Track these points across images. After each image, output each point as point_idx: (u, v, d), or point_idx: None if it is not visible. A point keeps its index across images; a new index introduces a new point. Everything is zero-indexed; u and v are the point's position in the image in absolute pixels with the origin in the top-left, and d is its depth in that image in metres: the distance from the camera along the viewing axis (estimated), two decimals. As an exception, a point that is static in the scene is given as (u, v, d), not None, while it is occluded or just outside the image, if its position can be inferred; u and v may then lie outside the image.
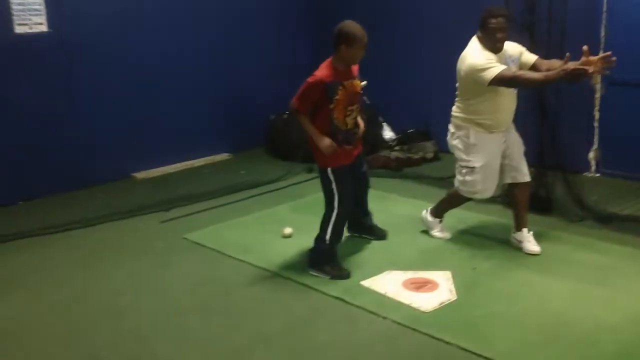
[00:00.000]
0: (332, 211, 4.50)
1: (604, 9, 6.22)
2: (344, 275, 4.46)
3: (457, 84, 4.72)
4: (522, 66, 4.62)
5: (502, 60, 4.53)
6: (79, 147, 6.72)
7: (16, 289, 4.55)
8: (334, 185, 4.49)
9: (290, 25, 8.47)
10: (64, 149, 6.62)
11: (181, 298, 4.33)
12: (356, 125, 4.57)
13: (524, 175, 4.83)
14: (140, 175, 7.19)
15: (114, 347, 3.75)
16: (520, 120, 5.04)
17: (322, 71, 4.33)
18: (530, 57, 4.65)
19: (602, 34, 6.23)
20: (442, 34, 7.31)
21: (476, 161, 4.73)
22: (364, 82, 4.51)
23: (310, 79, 4.32)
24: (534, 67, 4.59)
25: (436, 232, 5.17)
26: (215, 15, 7.68)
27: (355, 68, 4.50)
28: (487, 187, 4.83)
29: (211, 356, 3.63)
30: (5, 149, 6.25)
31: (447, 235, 5.16)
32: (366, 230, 5.12)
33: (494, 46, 4.51)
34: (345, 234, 4.89)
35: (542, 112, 5.54)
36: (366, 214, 5.11)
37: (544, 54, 4.87)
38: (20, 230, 5.57)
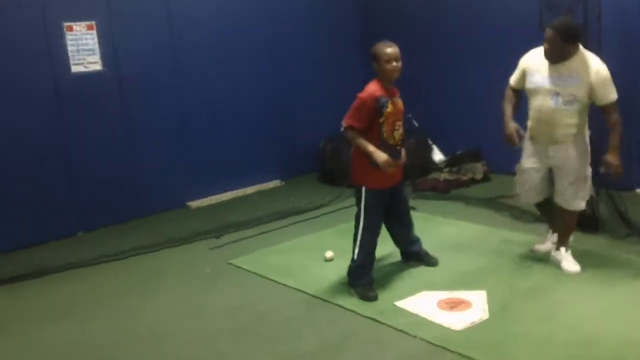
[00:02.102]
0: (358, 230, 4.64)
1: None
2: (370, 297, 4.53)
3: None
4: (592, 95, 4.53)
5: (557, 71, 4.54)
6: (136, 178, 7.02)
7: (69, 315, 4.81)
8: (362, 205, 4.62)
9: (340, 53, 8.65)
10: (121, 180, 6.93)
11: (219, 321, 4.48)
12: (402, 142, 4.69)
13: (565, 201, 4.75)
14: (194, 204, 7.45)
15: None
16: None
17: (371, 88, 4.53)
18: (602, 100, 4.51)
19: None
20: (493, 54, 7.34)
21: (521, 162, 4.90)
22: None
23: (362, 95, 4.50)
24: (603, 109, 4.58)
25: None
26: (265, 45, 7.92)
27: (394, 87, 4.67)
28: (523, 191, 4.96)
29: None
30: (66, 182, 6.60)
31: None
32: (416, 257, 5.15)
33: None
34: (396, 258, 5.15)
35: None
36: (413, 242, 5.13)
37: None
38: (79, 260, 5.87)
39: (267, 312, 4.56)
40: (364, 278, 4.64)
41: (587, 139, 4.68)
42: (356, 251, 4.63)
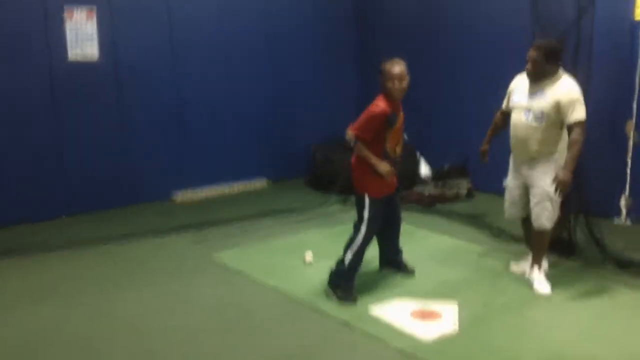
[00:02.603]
0: (357, 236, 4.74)
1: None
2: (350, 300, 4.64)
3: None
4: (560, 113, 4.65)
5: (534, 89, 4.74)
6: (124, 167, 7.13)
7: (49, 298, 4.89)
8: (365, 212, 4.75)
9: (335, 58, 8.73)
10: (109, 168, 7.03)
11: (200, 317, 4.56)
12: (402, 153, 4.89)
13: (533, 219, 4.90)
14: (180, 197, 7.54)
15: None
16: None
17: (382, 103, 4.64)
18: (568, 118, 4.60)
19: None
20: (484, 73, 7.46)
21: (506, 179, 5.12)
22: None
23: (374, 110, 4.62)
24: (567, 128, 4.67)
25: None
26: (261, 46, 8.03)
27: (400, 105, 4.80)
28: (507, 207, 5.14)
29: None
30: (53, 166, 6.69)
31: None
32: (396, 266, 5.27)
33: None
34: (373, 264, 5.22)
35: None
36: (397, 251, 5.27)
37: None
38: (62, 242, 5.97)
39: (247, 311, 4.64)
40: (348, 281, 4.74)
41: (560, 162, 4.73)
42: (348, 255, 4.73)
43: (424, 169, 7.84)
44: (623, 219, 6.54)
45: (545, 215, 4.82)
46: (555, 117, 4.66)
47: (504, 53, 6.91)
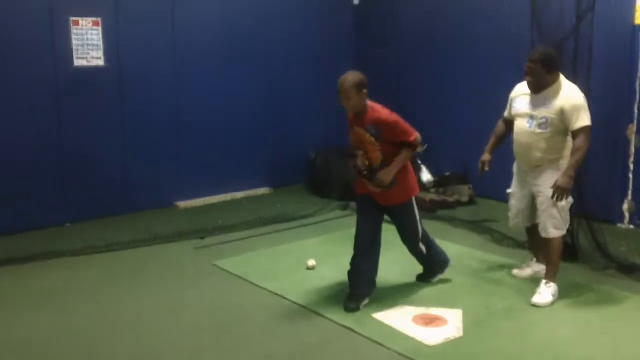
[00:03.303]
0: None
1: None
2: (346, 308, 4.63)
3: None
4: (564, 120, 4.61)
5: (537, 97, 4.71)
6: (127, 174, 7.11)
7: (51, 303, 4.87)
8: None
9: (334, 66, 8.71)
10: (112, 175, 7.02)
11: (199, 320, 4.55)
12: (369, 169, 4.64)
13: (541, 230, 4.85)
14: (183, 204, 7.52)
15: (130, 361, 4.00)
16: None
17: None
18: (572, 125, 4.57)
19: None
20: (484, 81, 7.46)
21: (511, 187, 5.07)
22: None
23: None
24: (572, 135, 4.64)
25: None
26: (261, 53, 8.02)
27: (371, 117, 4.56)
28: (513, 215, 5.09)
29: (218, 374, 3.85)
30: (56, 173, 6.68)
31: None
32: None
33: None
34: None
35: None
36: (415, 256, 5.12)
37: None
38: (65, 250, 5.94)
39: (247, 314, 4.63)
40: (349, 287, 4.75)
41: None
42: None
43: (426, 176, 7.83)
44: (626, 223, 6.53)
45: (551, 222, 4.75)
46: (560, 124, 4.62)
47: (504, 60, 6.92)
